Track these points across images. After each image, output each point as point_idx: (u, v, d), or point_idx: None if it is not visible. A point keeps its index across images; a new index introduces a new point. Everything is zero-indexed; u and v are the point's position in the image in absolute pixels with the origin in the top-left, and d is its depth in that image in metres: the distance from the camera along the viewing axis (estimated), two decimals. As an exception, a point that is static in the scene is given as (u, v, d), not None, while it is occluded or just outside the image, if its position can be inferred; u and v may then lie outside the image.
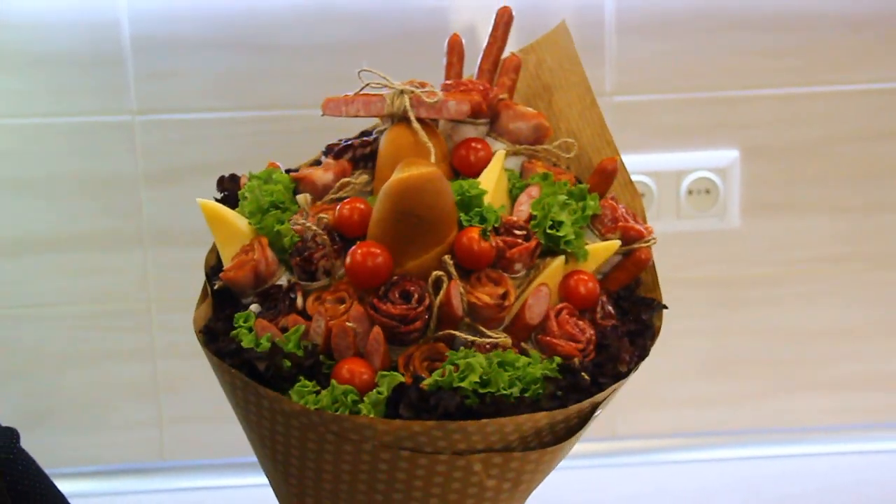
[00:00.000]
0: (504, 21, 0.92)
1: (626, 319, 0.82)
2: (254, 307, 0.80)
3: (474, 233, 0.77)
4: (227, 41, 1.23)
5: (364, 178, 0.85)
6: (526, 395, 0.72)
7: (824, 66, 1.26)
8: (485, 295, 0.77)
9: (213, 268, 0.85)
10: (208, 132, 1.25)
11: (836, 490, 1.27)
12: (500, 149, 0.86)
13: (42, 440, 1.30)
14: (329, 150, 0.87)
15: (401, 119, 0.84)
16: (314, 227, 0.78)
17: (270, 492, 0.83)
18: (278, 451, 0.77)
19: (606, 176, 0.86)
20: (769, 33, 1.25)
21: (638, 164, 1.26)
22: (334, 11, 1.23)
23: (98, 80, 1.23)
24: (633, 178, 1.25)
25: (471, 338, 0.75)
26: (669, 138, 1.27)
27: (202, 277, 1.25)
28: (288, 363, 0.74)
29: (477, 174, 0.83)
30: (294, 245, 0.80)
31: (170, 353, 1.30)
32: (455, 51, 0.91)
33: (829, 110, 1.27)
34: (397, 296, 0.76)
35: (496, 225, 0.79)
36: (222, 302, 0.82)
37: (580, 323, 0.79)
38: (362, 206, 0.79)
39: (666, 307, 0.84)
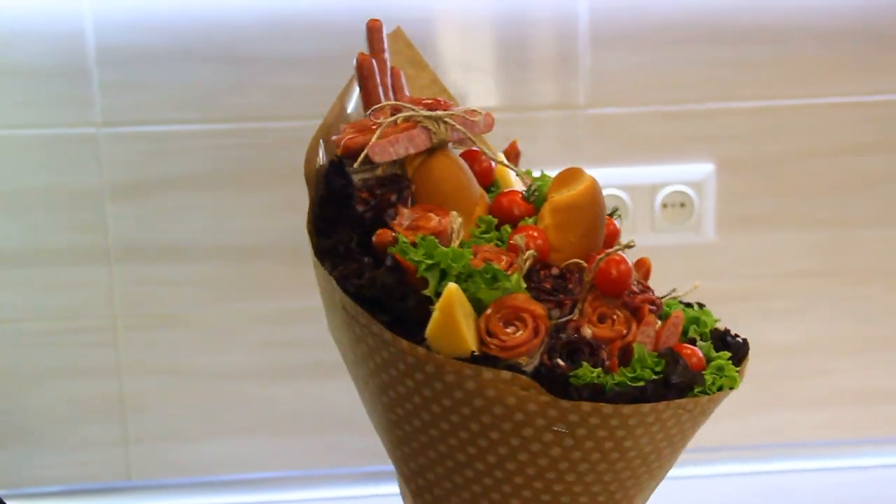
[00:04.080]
0: (380, 36, 0.87)
1: None
2: (560, 361, 0.75)
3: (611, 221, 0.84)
4: (194, 53, 1.22)
5: (454, 212, 0.80)
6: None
7: (800, 80, 1.26)
8: None
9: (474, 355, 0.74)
10: (175, 145, 1.23)
11: (815, 506, 1.27)
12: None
13: (5, 459, 1.28)
14: (386, 202, 0.79)
15: (441, 145, 0.81)
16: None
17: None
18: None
19: (516, 157, 0.92)
20: (744, 46, 1.25)
21: (612, 177, 1.26)
22: (305, 23, 1.22)
23: (62, 91, 1.22)
24: (607, 191, 1.26)
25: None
26: (644, 151, 1.27)
27: (169, 292, 1.25)
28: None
29: (482, 182, 0.84)
30: (545, 289, 0.77)
31: (136, 370, 1.28)
32: (373, 73, 0.86)
33: (804, 124, 1.27)
34: (638, 290, 0.81)
35: None
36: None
37: None
38: (537, 233, 0.79)
39: None
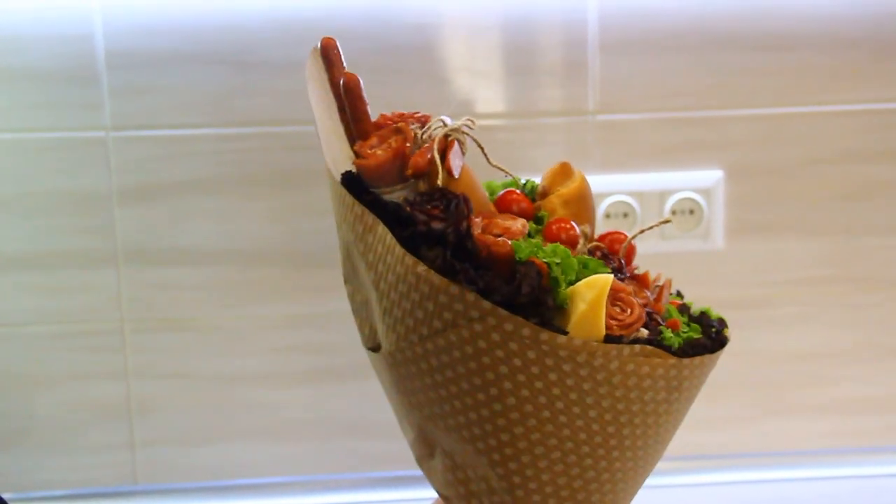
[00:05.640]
0: (338, 52, 0.90)
1: None
2: (644, 330, 0.84)
3: None
4: (204, 57, 1.22)
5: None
6: None
7: (809, 87, 1.26)
8: None
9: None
10: (184, 149, 1.23)
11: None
12: None
13: (11, 463, 1.28)
14: (461, 215, 0.83)
15: None
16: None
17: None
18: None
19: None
20: (753, 53, 1.25)
21: (621, 183, 1.26)
22: (315, 27, 1.22)
23: (72, 95, 1.22)
24: (616, 198, 1.26)
25: None
26: (653, 158, 1.27)
27: (176, 296, 1.25)
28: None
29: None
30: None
31: (143, 374, 1.28)
32: (362, 92, 0.87)
33: (813, 131, 1.27)
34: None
35: None
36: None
37: None
38: (569, 223, 0.87)
39: None
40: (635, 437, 0.84)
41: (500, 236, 0.81)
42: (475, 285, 0.78)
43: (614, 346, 0.80)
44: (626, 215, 1.26)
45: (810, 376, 1.32)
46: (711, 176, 1.27)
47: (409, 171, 0.82)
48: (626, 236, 0.89)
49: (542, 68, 1.25)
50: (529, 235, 0.85)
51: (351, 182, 0.85)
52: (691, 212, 1.27)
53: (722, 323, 0.89)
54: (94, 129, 1.23)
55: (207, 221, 1.25)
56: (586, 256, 0.83)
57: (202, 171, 1.24)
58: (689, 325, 0.87)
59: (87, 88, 1.22)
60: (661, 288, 0.88)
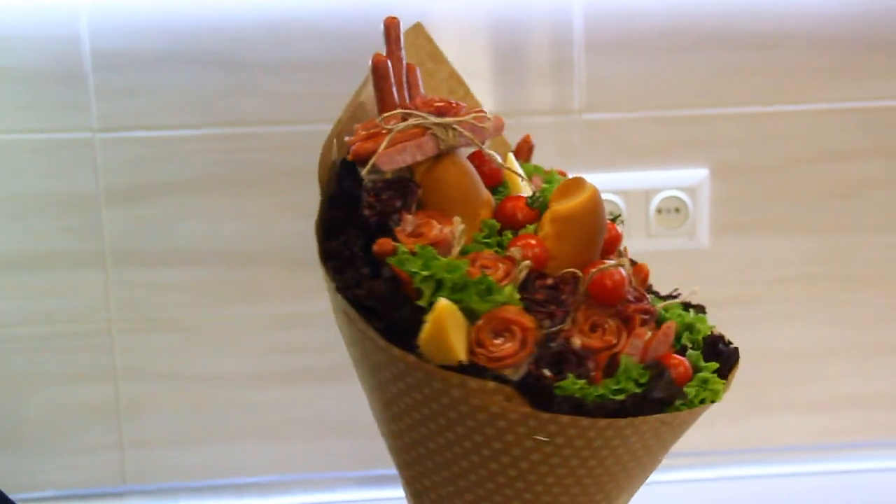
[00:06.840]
0: (397, 33, 0.88)
1: None
2: (546, 371, 0.76)
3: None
4: (191, 57, 1.22)
5: (457, 218, 0.82)
6: None
7: (794, 86, 1.27)
8: None
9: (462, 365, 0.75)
10: (171, 150, 1.23)
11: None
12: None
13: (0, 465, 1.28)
14: (391, 208, 0.80)
15: (448, 151, 0.82)
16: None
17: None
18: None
19: (529, 150, 0.96)
20: (739, 52, 1.25)
21: (607, 182, 1.26)
22: (304, 27, 1.22)
23: (58, 96, 1.21)
24: (602, 196, 1.26)
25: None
26: (638, 157, 1.27)
27: (164, 297, 1.25)
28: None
29: (491, 183, 0.86)
30: (537, 300, 0.78)
31: (131, 374, 1.28)
32: (388, 75, 0.86)
33: (798, 129, 1.27)
34: (633, 298, 0.80)
35: None
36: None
37: None
38: (535, 241, 0.80)
39: None
40: (509, 476, 0.77)
41: (420, 236, 0.78)
42: (335, 279, 0.77)
43: (457, 375, 0.74)
44: (619, 215, 1.26)
45: (795, 374, 1.32)
46: (697, 174, 1.28)
47: (350, 157, 0.81)
48: (614, 269, 0.80)
49: (528, 68, 1.25)
50: (500, 245, 0.81)
51: (352, 162, 0.84)
52: (677, 210, 1.27)
53: (678, 394, 0.78)
54: (81, 131, 1.23)
55: (195, 222, 1.25)
56: (490, 278, 0.76)
57: (190, 172, 1.24)
58: (636, 382, 0.76)
59: (74, 89, 1.21)
60: (630, 335, 0.79)
